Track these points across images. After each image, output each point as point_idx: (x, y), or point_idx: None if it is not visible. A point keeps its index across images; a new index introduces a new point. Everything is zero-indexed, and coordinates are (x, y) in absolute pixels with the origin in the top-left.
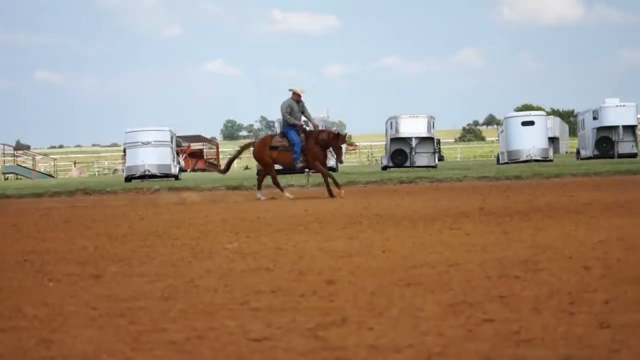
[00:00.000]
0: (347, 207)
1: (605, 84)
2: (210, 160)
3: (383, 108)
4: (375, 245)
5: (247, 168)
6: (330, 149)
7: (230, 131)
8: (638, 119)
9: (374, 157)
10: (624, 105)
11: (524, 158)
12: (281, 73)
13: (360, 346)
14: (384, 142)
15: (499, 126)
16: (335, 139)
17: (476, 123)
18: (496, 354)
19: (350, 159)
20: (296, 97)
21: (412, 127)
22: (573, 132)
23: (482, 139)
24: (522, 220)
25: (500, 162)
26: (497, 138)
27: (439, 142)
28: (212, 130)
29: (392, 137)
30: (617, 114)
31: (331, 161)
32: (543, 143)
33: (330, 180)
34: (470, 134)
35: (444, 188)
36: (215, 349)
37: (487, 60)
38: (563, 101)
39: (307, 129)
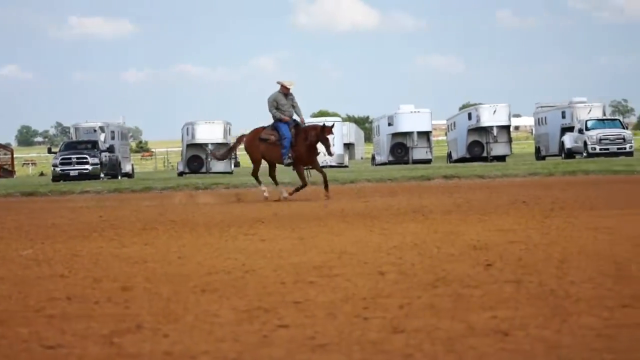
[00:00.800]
0: (142, 213)
1: (400, 90)
2: (5, 167)
3: (179, 114)
4: (171, 251)
5: (42, 174)
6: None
7: (25, 137)
8: (432, 125)
9: (170, 163)
10: (418, 112)
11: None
12: (76, 78)
13: (155, 353)
14: (180, 149)
15: None
16: (322, 132)
17: None
18: (291, 359)
19: (146, 165)
20: (284, 90)
21: (209, 133)
22: (368, 138)
23: None
24: (317, 226)
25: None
26: None
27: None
28: (7, 136)
29: (189, 143)
30: (412, 120)
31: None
32: (338, 149)
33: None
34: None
35: (240, 194)
36: (8, 357)
37: (282, 67)
38: (358, 107)
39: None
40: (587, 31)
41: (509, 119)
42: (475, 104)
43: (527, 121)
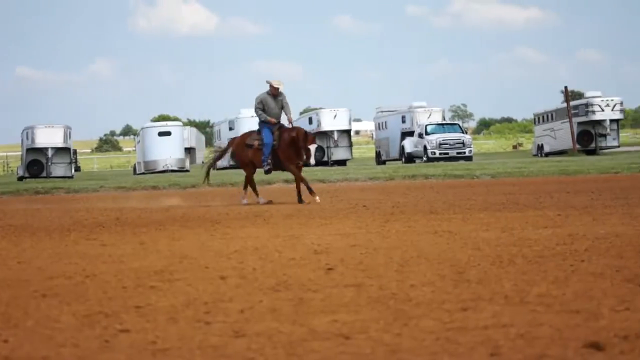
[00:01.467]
0: None
1: (240, 94)
2: None
3: (19, 118)
4: (10, 256)
5: None
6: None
7: None
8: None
9: (9, 167)
10: (253, 117)
11: (160, 168)
12: None
13: None
14: (20, 153)
15: (136, 137)
16: (304, 140)
17: (113, 133)
18: None
19: None
20: (273, 91)
21: (48, 138)
22: (210, 143)
23: (120, 149)
24: (158, 230)
25: (137, 172)
26: (134, 148)
27: (75, 152)
28: None
29: (28, 147)
30: (252, 125)
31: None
32: (180, 153)
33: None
34: (108, 144)
35: (81, 198)
36: None
37: (122, 71)
38: (199, 112)
39: (286, 125)
40: (427, 36)
41: (350, 124)
42: (316, 109)
43: (367, 126)
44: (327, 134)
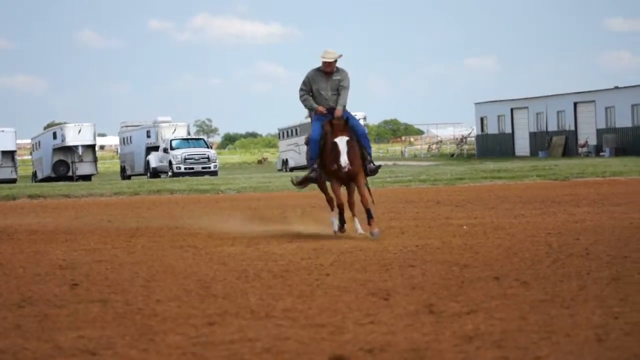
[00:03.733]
0: None
1: None
2: None
3: None
4: None
5: None
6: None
7: None
8: (18, 144)
9: None
10: (3, 131)
11: None
12: None
13: None
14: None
15: None
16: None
17: None
18: None
19: None
20: (324, 67)
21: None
22: None
23: None
24: None
25: None
26: None
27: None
28: None
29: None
30: None
31: None
32: None
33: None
34: None
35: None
36: None
37: None
38: None
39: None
40: (169, 51)
41: (94, 138)
42: (60, 123)
43: (112, 140)
44: (71, 149)
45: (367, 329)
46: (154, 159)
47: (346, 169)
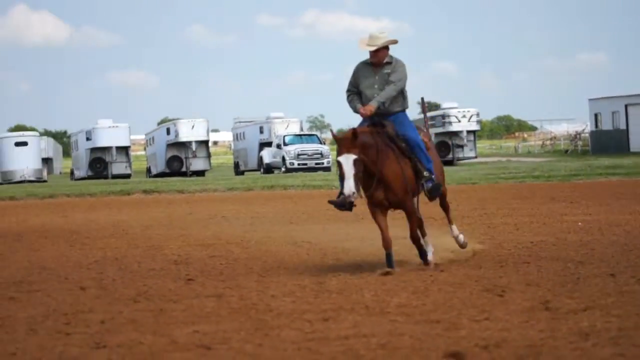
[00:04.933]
0: None
1: (97, 104)
2: None
3: None
4: None
5: None
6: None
7: None
8: (131, 139)
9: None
10: (117, 126)
11: (18, 178)
12: None
13: None
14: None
15: None
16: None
17: None
18: None
19: None
20: (371, 58)
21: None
22: (67, 153)
23: None
24: (17, 241)
25: None
26: None
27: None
28: None
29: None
30: (110, 135)
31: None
32: (37, 163)
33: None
34: None
35: None
36: None
37: None
38: (55, 122)
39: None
40: (281, 47)
41: (208, 134)
42: (174, 119)
43: (225, 136)
44: (185, 145)
45: (482, 325)
46: (267, 155)
47: (351, 199)
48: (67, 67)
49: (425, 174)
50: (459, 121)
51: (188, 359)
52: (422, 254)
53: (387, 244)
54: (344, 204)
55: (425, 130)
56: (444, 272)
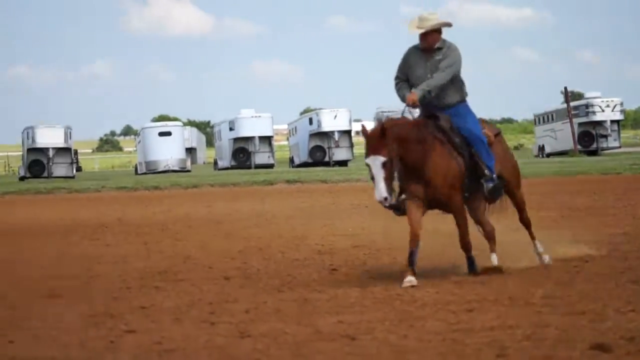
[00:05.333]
0: None
1: (240, 95)
2: None
3: (18, 118)
4: (13, 258)
5: None
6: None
7: None
8: (274, 129)
9: (11, 167)
10: (259, 116)
11: (162, 168)
12: None
13: (2, 358)
14: (21, 153)
15: (137, 137)
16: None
17: (113, 133)
18: None
19: None
20: (421, 43)
21: (49, 138)
22: (210, 143)
23: (120, 149)
24: (161, 231)
25: (139, 172)
26: (135, 148)
27: (76, 152)
28: None
29: (29, 147)
30: (253, 125)
31: None
32: (181, 153)
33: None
34: (108, 144)
35: (83, 199)
36: None
37: (119, 71)
38: (199, 112)
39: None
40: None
41: (350, 124)
42: (316, 109)
43: (368, 126)
44: (327, 135)
45: (628, 317)
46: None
47: (386, 205)
48: (210, 58)
49: (486, 172)
50: (603, 111)
51: (332, 349)
52: (471, 263)
53: (416, 231)
54: (398, 207)
55: (488, 125)
56: (588, 263)
